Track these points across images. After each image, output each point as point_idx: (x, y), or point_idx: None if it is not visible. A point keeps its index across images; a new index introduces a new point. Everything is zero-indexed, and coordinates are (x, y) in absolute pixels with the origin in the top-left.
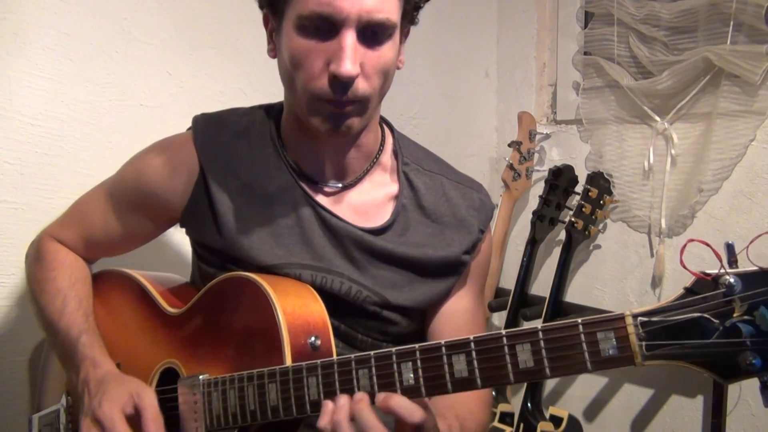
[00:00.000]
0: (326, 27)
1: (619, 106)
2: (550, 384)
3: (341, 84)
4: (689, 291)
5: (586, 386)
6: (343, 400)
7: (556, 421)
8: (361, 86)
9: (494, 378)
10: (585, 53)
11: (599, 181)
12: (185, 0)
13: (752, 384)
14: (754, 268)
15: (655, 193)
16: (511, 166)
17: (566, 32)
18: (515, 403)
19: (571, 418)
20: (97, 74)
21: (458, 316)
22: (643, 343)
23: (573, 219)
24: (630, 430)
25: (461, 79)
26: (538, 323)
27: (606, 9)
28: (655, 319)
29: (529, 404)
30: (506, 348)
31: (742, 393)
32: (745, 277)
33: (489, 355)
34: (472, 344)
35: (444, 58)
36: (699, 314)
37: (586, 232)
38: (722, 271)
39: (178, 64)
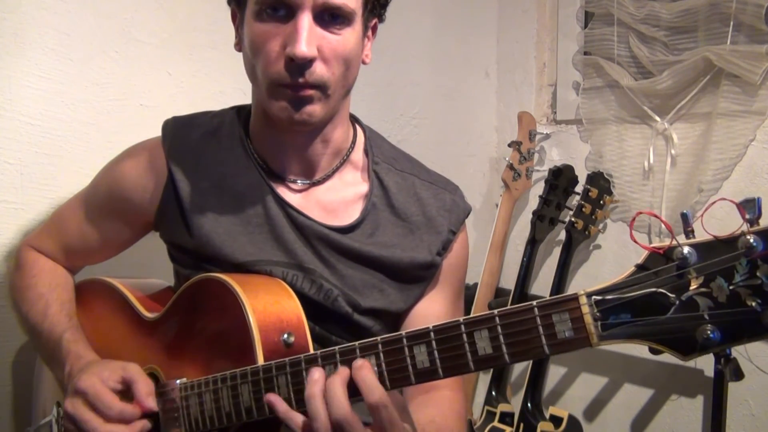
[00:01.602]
0: (283, 11)
1: (619, 106)
2: (550, 384)
3: (297, 66)
4: (641, 267)
5: (586, 386)
6: (317, 374)
7: (556, 421)
8: (319, 69)
9: (455, 367)
10: (585, 53)
11: (599, 181)
12: (185, 0)
13: (752, 384)
14: (709, 237)
15: (655, 193)
16: (511, 166)
17: (566, 32)
18: (515, 403)
19: (571, 418)
20: (97, 74)
21: (431, 321)
22: (599, 322)
23: (573, 219)
24: (630, 430)
25: (461, 79)
26: None
27: (606, 9)
28: (609, 297)
29: (529, 404)
30: (465, 336)
31: (742, 393)
32: (700, 248)
33: (449, 344)
34: (432, 334)
35: (444, 58)
36: (654, 289)
37: (586, 232)
38: (674, 243)
39: (178, 64)
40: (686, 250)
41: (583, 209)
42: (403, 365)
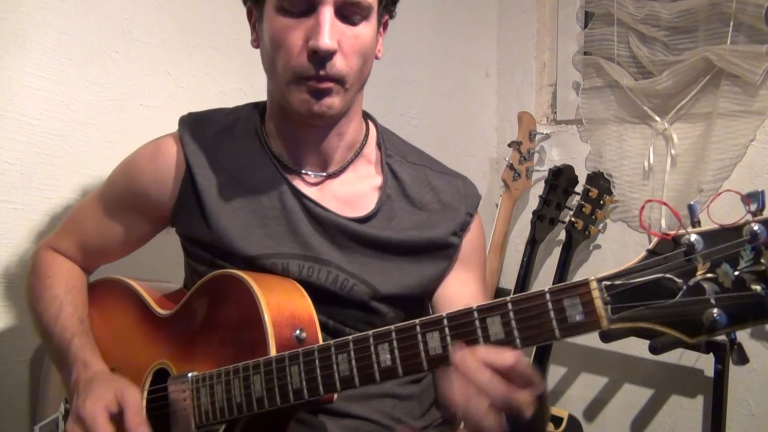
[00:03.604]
0: (304, 5)
1: (619, 106)
2: (550, 384)
3: (320, 58)
4: (652, 252)
5: (586, 386)
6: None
7: (556, 421)
8: (339, 63)
9: None
10: (585, 53)
11: (599, 181)
12: (185, 0)
13: (752, 384)
14: (715, 226)
15: (655, 193)
16: (511, 166)
17: (566, 32)
18: None
19: (571, 418)
20: (97, 74)
21: (465, 302)
22: (609, 306)
23: (573, 219)
24: (630, 430)
25: (461, 79)
26: None
27: (606, 9)
28: (618, 282)
29: None
30: (477, 322)
31: (742, 393)
32: (706, 236)
33: (461, 330)
34: (445, 321)
35: (444, 58)
36: (662, 274)
37: (586, 232)
38: (682, 230)
39: (178, 64)
40: (693, 237)
41: (583, 209)
42: (415, 351)
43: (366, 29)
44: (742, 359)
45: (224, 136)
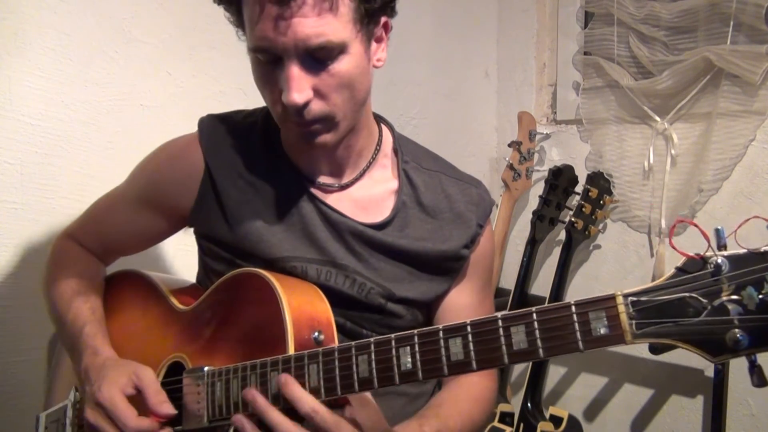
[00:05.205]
0: (273, 58)
1: (619, 106)
2: (550, 384)
3: (294, 110)
4: (680, 270)
5: (586, 386)
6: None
7: (556, 421)
8: (316, 107)
9: (489, 360)
10: (585, 53)
11: (599, 181)
12: (185, 0)
13: (752, 384)
14: (743, 250)
15: (655, 193)
16: (511, 166)
17: (566, 32)
18: (515, 403)
19: (571, 418)
20: (97, 74)
21: (461, 311)
22: (634, 321)
23: (573, 219)
24: (630, 430)
25: (461, 79)
26: None
27: (606, 9)
28: (644, 298)
29: (529, 404)
30: (501, 330)
31: (742, 393)
32: (733, 259)
33: (484, 338)
34: (469, 327)
35: (444, 58)
36: (688, 293)
37: (586, 232)
38: (711, 251)
39: (178, 64)
40: (720, 259)
41: (583, 209)
42: (436, 356)
43: (343, 63)
44: (762, 381)
45: (243, 141)
